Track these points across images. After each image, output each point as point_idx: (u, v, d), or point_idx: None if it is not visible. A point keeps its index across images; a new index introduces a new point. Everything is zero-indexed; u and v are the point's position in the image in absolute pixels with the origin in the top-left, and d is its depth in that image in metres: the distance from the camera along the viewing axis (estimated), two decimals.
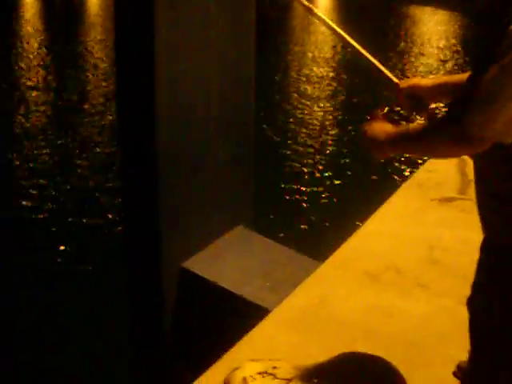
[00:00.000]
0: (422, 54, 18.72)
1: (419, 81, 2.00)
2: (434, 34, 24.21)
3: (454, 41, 22.47)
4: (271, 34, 19.36)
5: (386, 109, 1.87)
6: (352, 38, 2.07)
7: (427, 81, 2.01)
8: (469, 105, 1.49)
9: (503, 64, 1.43)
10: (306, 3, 2.07)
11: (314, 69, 15.49)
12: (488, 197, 1.70)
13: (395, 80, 2.02)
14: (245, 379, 1.62)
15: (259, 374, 1.63)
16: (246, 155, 4.60)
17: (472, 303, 1.81)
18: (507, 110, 1.45)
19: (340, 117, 11.09)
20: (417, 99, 1.94)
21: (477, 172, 1.72)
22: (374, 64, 2.03)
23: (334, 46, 17.08)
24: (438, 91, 1.98)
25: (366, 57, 2.04)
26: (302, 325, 2.82)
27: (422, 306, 2.94)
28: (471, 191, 4.32)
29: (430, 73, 15.35)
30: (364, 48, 2.06)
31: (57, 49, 17.83)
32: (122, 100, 4.18)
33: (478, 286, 1.78)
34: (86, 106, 11.77)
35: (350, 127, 10.08)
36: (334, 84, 13.71)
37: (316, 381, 1.51)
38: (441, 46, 20.72)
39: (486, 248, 1.76)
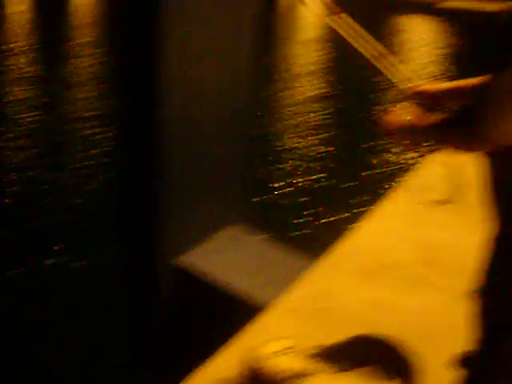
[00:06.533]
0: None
1: (432, 85, 2.09)
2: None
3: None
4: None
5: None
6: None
7: (440, 85, 2.09)
8: (484, 108, 1.61)
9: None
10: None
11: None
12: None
13: (409, 85, 2.09)
14: (266, 356, 1.68)
15: (280, 351, 1.70)
16: (243, 152, 4.67)
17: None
18: None
19: (331, 120, 11.00)
20: (430, 103, 2.01)
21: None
22: (385, 68, 2.09)
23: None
24: (450, 95, 2.07)
25: (377, 60, 2.09)
26: (305, 315, 2.90)
27: (418, 301, 3.03)
28: (461, 195, 4.45)
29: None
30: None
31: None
32: (121, 89, 4.23)
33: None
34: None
35: (340, 130, 10.15)
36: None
37: (336, 358, 1.58)
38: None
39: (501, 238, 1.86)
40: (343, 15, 2.10)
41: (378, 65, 2.10)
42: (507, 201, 1.81)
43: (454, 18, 29.71)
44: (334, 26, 2.13)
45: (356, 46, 2.10)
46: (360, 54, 2.09)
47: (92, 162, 8.54)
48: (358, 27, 2.09)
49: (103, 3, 19.92)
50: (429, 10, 37.47)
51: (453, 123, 1.76)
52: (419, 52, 19.67)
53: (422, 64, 16.17)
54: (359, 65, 3.86)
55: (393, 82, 2.11)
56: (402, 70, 2.11)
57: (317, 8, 2.12)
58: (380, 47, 2.08)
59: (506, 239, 1.84)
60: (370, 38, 2.09)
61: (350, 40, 2.11)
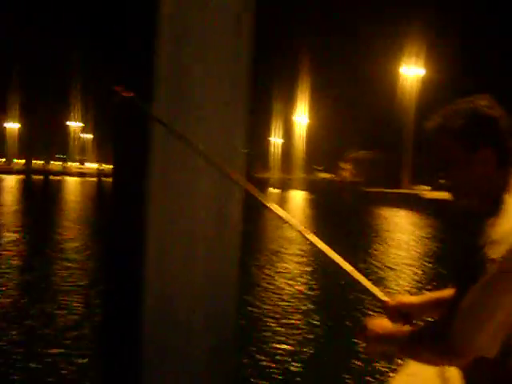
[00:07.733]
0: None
1: (407, 299, 2.15)
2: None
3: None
4: None
5: None
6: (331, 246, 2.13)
7: (414, 298, 2.16)
8: (452, 322, 1.65)
9: (480, 285, 1.62)
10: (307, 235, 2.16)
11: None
12: None
13: (384, 298, 2.14)
14: None
15: None
16: (227, 357, 4.55)
17: None
18: (486, 327, 1.62)
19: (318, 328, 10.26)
20: (405, 315, 2.06)
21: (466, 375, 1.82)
22: (362, 283, 2.13)
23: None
24: (425, 308, 2.13)
25: (353, 276, 2.13)
26: None
27: None
28: None
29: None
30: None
31: None
32: (108, 296, 4.18)
33: None
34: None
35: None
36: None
37: None
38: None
39: None
40: (311, 235, 2.17)
41: (355, 277, 2.14)
42: None
43: (441, 211, 30.42)
44: (313, 241, 2.17)
45: (333, 260, 2.14)
46: (338, 267, 2.12)
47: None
48: (325, 244, 2.13)
49: None
50: (416, 202, 37.90)
51: (421, 338, 1.79)
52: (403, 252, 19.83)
53: (402, 266, 16.12)
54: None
55: (370, 294, 2.15)
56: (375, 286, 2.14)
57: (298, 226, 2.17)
58: (348, 266, 2.13)
59: None
60: (337, 257, 2.13)
61: (327, 254, 2.15)
